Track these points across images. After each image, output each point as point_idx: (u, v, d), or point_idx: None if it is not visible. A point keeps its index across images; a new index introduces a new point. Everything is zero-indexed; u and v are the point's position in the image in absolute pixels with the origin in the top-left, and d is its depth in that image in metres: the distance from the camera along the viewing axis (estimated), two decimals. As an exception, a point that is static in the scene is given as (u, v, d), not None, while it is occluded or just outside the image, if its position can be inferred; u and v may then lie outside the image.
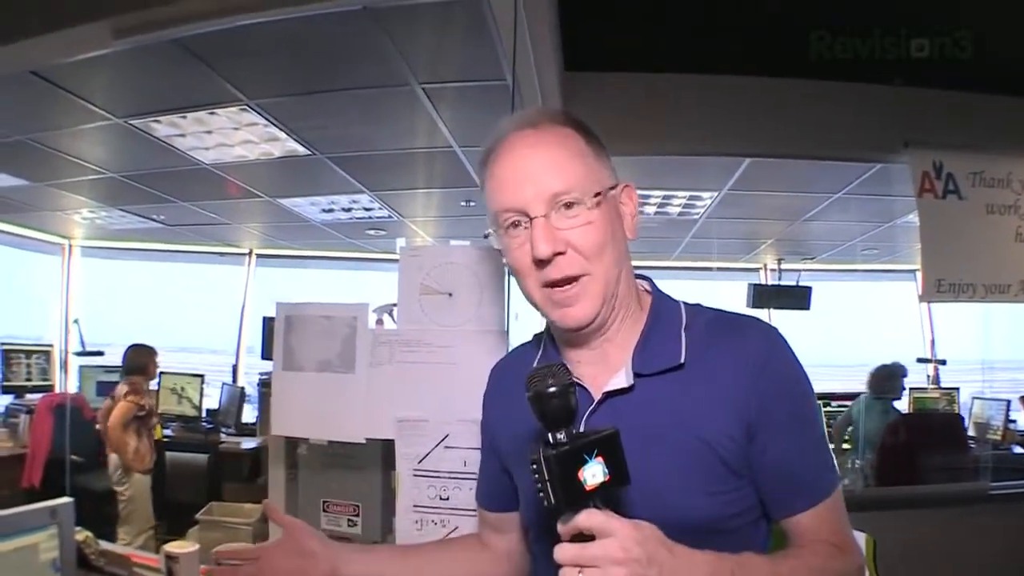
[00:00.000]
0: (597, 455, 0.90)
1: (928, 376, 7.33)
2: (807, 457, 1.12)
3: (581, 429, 1.03)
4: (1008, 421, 6.35)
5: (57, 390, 6.69)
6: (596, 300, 1.08)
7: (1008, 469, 4.55)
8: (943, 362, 7.15)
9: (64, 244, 7.61)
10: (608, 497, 0.92)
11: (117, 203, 5.94)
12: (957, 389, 7.23)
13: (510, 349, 1.48)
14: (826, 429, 5.74)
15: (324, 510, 2.19)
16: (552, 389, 0.92)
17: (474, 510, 1.48)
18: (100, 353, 6.82)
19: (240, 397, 6.91)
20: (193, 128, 3.97)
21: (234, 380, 7.60)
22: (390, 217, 6.11)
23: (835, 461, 1.16)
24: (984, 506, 3.75)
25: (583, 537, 0.90)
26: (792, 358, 1.13)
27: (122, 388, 5.32)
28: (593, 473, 0.89)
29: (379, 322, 1.99)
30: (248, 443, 6.17)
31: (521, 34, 2.26)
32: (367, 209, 5.87)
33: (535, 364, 1.18)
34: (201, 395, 7.06)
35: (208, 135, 4.08)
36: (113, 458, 5.20)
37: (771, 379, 1.08)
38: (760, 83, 3.66)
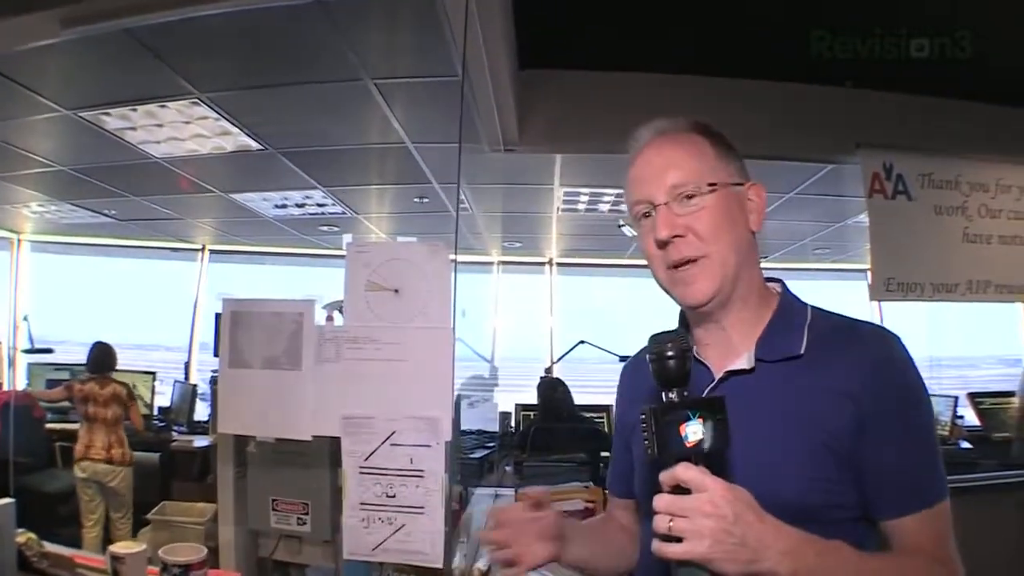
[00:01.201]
0: (699, 416, 0.98)
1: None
2: (917, 461, 1.15)
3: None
4: (956, 417, 6.49)
5: (5, 388, 6.55)
6: (715, 280, 1.18)
7: (956, 464, 4.65)
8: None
9: (13, 239, 7.45)
10: (711, 460, 0.99)
11: (67, 197, 5.82)
12: (905, 386, 7.37)
13: (455, 345, 1.50)
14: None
15: (273, 508, 2.17)
16: (670, 351, 1.01)
17: (421, 507, 1.49)
18: (49, 351, 6.71)
19: (192, 395, 6.79)
20: (144, 121, 3.90)
21: (186, 377, 7.48)
22: (344, 213, 6.07)
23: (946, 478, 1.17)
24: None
25: (681, 491, 0.97)
26: (912, 364, 1.18)
27: (120, 388, 5.50)
28: (694, 431, 0.97)
29: (329, 318, 1.98)
30: (200, 441, 6.07)
31: (473, 30, 2.27)
32: (320, 205, 5.83)
33: None
34: (153, 393, 6.96)
35: (159, 128, 4.01)
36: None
37: (889, 379, 1.14)
38: (714, 83, 3.70)
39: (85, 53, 3.04)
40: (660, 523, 0.97)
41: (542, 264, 8.24)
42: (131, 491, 5.44)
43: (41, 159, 4.63)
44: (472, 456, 4.47)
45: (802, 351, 1.18)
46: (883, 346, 1.18)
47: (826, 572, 1.02)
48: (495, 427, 6.02)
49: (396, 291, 1.75)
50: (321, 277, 8.15)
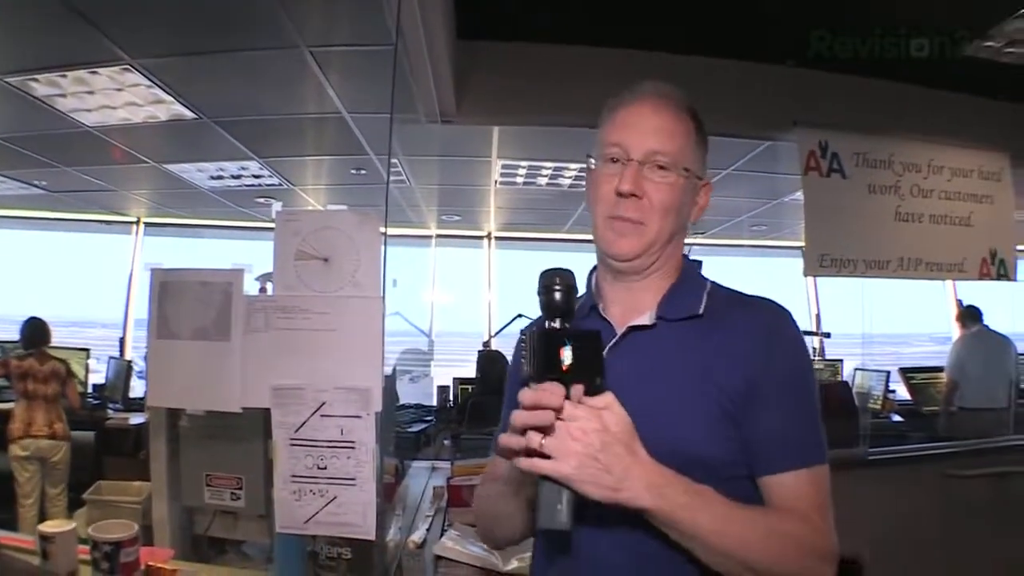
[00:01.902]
0: (572, 344, 1.04)
1: (814, 348, 7.63)
2: (800, 423, 1.21)
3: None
4: (887, 391, 6.69)
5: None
6: (643, 243, 1.24)
7: (887, 435, 4.80)
8: (828, 335, 7.45)
9: (-63, 212, 7.18)
10: (587, 391, 1.04)
11: (-5, 168, 5.63)
12: (841, 361, 7.58)
13: (391, 317, 1.49)
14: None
15: (207, 484, 2.15)
16: (558, 285, 1.09)
17: (352, 479, 1.48)
18: (-21, 327, 6.52)
19: (127, 371, 6.65)
20: (74, 88, 3.80)
21: (121, 354, 7.33)
22: (280, 185, 6.00)
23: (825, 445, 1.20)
24: (863, 471, 3.94)
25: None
26: (799, 334, 1.27)
27: (59, 365, 5.48)
28: (568, 356, 1.04)
29: (262, 289, 1.95)
30: (136, 418, 5.91)
31: (408, -1, 2.24)
32: (256, 176, 5.75)
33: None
34: (87, 371, 6.79)
35: (90, 96, 3.91)
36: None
37: (778, 344, 1.22)
38: (654, 58, 3.71)
39: (12, 15, 2.96)
40: (533, 438, 1.02)
41: (480, 238, 8.25)
42: (68, 466, 5.38)
43: (-36, 127, 4.46)
44: (409, 430, 4.46)
45: (701, 311, 1.25)
46: (776, 317, 1.25)
47: (693, 511, 1.06)
48: (433, 401, 6.02)
49: (326, 260, 1.73)
50: (258, 250, 7.89)
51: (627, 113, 1.27)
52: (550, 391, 1.02)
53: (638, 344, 1.25)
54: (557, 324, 1.08)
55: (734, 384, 1.17)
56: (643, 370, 1.20)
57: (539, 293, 1.10)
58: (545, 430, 1.02)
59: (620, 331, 1.26)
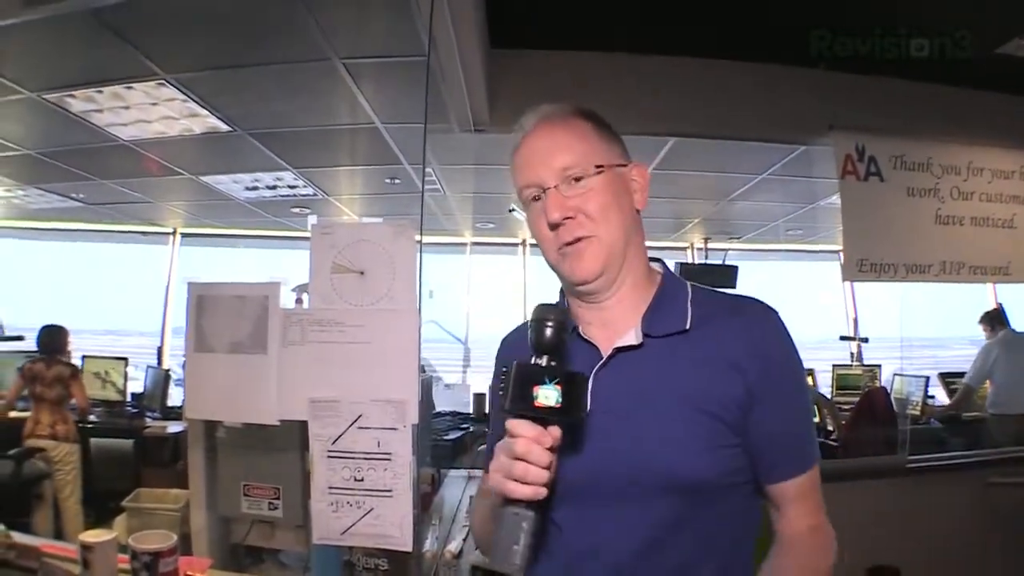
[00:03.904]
0: (557, 383, 1.03)
1: (852, 354, 7.53)
2: (800, 427, 1.25)
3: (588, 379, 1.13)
4: (927, 397, 6.57)
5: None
6: (602, 258, 1.21)
7: (926, 442, 4.71)
8: (865, 340, 7.34)
9: (-21, 225, 7.31)
10: (564, 428, 1.05)
11: (34, 181, 5.73)
12: (879, 366, 7.45)
13: (422, 327, 1.49)
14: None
15: (245, 494, 2.16)
16: (551, 320, 1.06)
17: (389, 490, 1.48)
18: (20, 338, 6.62)
19: (164, 380, 6.72)
20: (110, 103, 3.83)
21: (159, 362, 7.40)
22: (315, 195, 6.01)
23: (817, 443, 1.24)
24: (903, 479, 3.88)
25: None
26: (788, 334, 1.25)
27: (64, 369, 5.48)
28: (547, 395, 1.02)
29: (298, 300, 1.96)
30: (174, 427, 5.98)
31: (441, 8, 2.24)
32: (291, 187, 5.77)
33: None
34: (125, 379, 6.86)
35: (126, 111, 3.93)
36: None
37: (771, 350, 1.21)
38: (685, 64, 3.71)
39: (48, 33, 2.97)
40: (515, 467, 1.03)
41: (515, 245, 8.22)
42: (79, 471, 5.41)
43: (6, 143, 4.54)
44: (446, 438, 4.45)
45: (688, 326, 1.22)
46: (766, 321, 1.24)
47: None
48: (469, 408, 5.99)
49: (361, 273, 1.73)
50: (294, 259, 7.95)
51: (523, 152, 1.27)
52: (510, 427, 1.04)
53: (626, 365, 1.22)
54: (543, 362, 1.06)
55: (733, 395, 1.17)
56: (633, 392, 1.18)
57: (531, 324, 1.08)
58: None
59: (606, 353, 1.23)
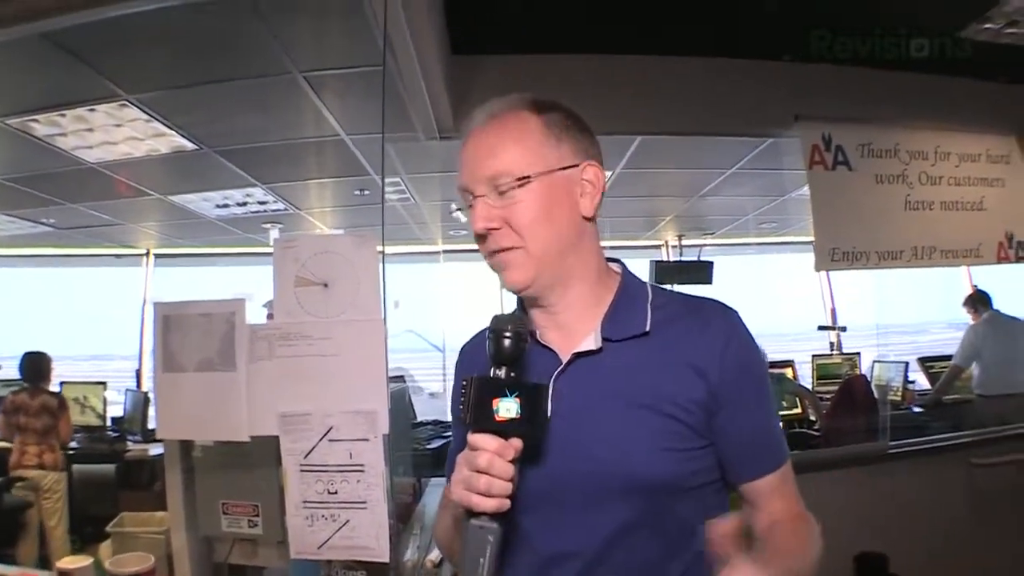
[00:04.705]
0: (517, 396, 1.03)
1: (831, 343, 7.58)
2: (766, 426, 1.24)
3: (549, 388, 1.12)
4: (907, 382, 6.62)
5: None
6: (528, 270, 1.19)
7: (908, 427, 4.74)
8: (843, 329, 7.40)
9: (-51, 254, 7.23)
10: (525, 440, 1.05)
11: (2, 208, 5.69)
12: (858, 354, 7.51)
13: (400, 337, 1.49)
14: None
15: (224, 512, 2.14)
16: (508, 331, 1.06)
17: (363, 502, 1.48)
18: (-4, 367, 6.57)
19: (144, 402, 6.67)
20: (74, 126, 3.82)
21: (138, 385, 7.34)
22: (286, 210, 6.01)
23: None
24: (885, 464, 3.91)
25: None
26: (749, 334, 1.24)
27: (51, 400, 5.49)
28: (507, 408, 1.02)
29: (270, 315, 1.95)
30: (156, 449, 5.95)
31: (396, 17, 2.23)
32: (261, 203, 5.76)
33: None
34: (105, 403, 6.81)
35: (90, 133, 3.93)
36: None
37: (735, 352, 1.19)
38: (650, 62, 3.72)
39: (2, 58, 2.95)
40: (479, 481, 1.03)
41: (489, 251, 8.16)
42: (66, 499, 5.41)
43: (-31, 170, 4.49)
44: (428, 447, 4.44)
45: (648, 329, 1.21)
46: (727, 322, 1.23)
47: None
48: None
49: (325, 285, 1.72)
50: (268, 275, 7.91)
51: (462, 153, 1.24)
52: (471, 441, 1.03)
53: (585, 370, 1.20)
54: (502, 373, 1.05)
55: (694, 397, 1.16)
56: (592, 396, 1.17)
57: (488, 336, 1.07)
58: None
59: (565, 359, 1.22)
